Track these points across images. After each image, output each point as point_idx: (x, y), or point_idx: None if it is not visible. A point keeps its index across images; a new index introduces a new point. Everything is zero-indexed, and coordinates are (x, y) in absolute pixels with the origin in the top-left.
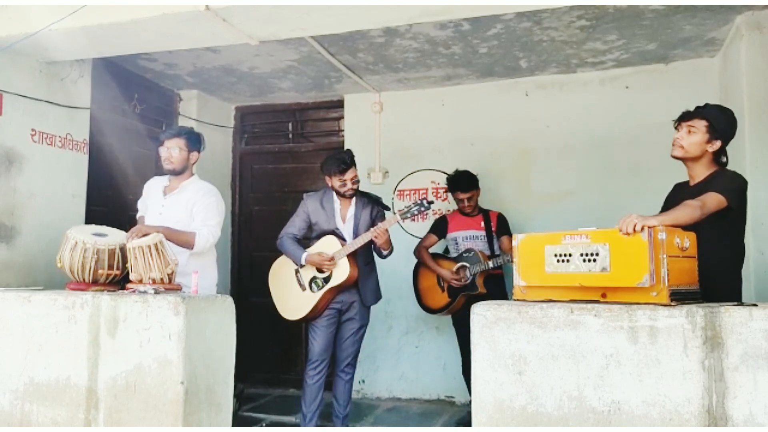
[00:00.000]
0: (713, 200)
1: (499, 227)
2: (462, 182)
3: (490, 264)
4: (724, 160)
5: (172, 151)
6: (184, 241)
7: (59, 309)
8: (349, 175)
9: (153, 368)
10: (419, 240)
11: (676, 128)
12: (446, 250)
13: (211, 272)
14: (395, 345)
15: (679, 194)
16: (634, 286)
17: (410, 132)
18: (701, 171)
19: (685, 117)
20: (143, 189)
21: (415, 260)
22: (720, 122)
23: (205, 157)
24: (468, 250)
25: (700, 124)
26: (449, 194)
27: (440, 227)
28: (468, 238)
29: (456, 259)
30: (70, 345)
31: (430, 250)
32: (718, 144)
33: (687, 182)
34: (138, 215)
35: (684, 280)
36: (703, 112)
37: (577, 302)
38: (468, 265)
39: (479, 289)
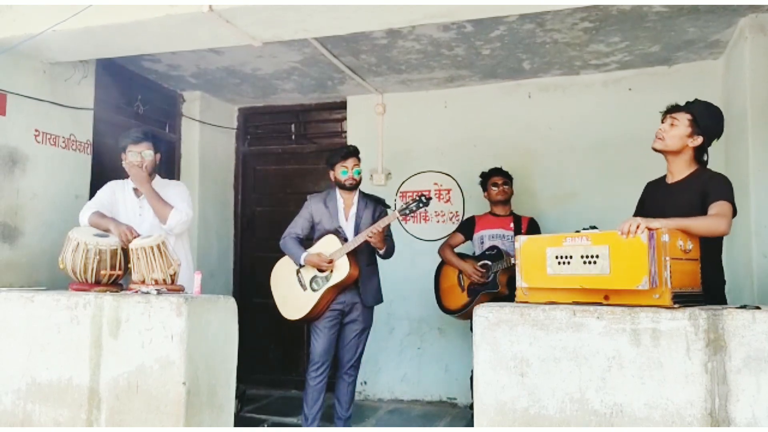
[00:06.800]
0: (729, 211)
1: (529, 231)
2: (496, 169)
3: (513, 262)
4: (705, 158)
5: (144, 155)
6: (161, 212)
7: (62, 309)
8: (351, 162)
9: (155, 369)
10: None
11: (662, 120)
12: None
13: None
14: (397, 346)
15: (658, 192)
16: (633, 288)
17: (413, 133)
18: (681, 167)
19: (671, 110)
20: (104, 190)
21: (415, 261)
22: (704, 118)
23: (208, 158)
24: (492, 248)
25: (684, 117)
26: (452, 195)
27: (468, 226)
28: (494, 236)
29: (478, 258)
30: (72, 345)
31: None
32: (699, 140)
33: (662, 179)
34: (91, 212)
35: (686, 282)
36: (689, 106)
37: (579, 304)
38: (490, 262)
39: (500, 288)
